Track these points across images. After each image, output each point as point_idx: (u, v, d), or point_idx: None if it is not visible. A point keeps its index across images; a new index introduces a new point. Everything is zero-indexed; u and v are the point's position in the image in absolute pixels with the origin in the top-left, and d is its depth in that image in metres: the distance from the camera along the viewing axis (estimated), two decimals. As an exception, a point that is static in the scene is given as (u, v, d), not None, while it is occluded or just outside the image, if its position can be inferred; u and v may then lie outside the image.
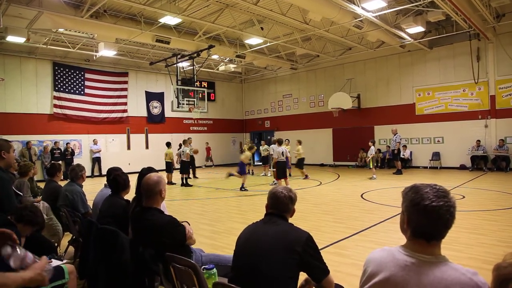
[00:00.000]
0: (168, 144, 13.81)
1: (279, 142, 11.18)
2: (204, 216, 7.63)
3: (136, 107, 19.35)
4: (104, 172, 17.03)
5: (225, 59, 18.76)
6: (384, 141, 16.42)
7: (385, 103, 17.66)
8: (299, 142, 14.50)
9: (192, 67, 15.14)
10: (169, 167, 13.38)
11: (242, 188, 10.88)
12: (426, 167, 16.12)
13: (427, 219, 1.40)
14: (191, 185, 12.80)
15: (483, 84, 14.78)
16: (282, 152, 10.85)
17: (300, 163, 14.06)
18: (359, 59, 18.14)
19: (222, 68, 19.73)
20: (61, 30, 13.25)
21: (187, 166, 12.80)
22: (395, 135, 14.60)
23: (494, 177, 12.41)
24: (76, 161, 15.74)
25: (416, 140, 16.65)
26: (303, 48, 16.40)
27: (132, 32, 12.93)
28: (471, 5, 11.24)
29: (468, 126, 15.13)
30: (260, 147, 16.14)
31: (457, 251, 4.52)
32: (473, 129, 14.99)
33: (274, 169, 12.36)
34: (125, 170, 3.99)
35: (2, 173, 3.17)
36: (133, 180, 3.56)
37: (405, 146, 16.50)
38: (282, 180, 10.86)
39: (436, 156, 15.97)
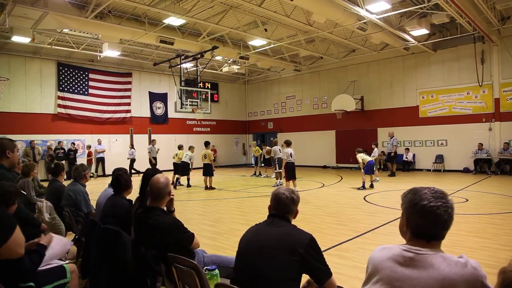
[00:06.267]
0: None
1: (287, 144, 11.14)
2: (206, 217, 7.64)
3: (140, 108, 19.42)
4: (107, 172, 17.11)
5: (229, 60, 18.80)
6: (387, 143, 16.32)
7: (388, 106, 17.62)
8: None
9: (195, 68, 15.15)
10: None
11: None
12: (429, 170, 16.05)
13: (425, 220, 1.44)
14: (190, 186, 12.89)
15: (487, 87, 14.72)
16: (291, 154, 10.81)
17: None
18: (363, 61, 18.11)
19: (225, 69, 19.78)
20: (65, 30, 13.34)
21: (188, 168, 12.79)
22: (391, 138, 15.11)
23: (498, 180, 12.33)
24: (79, 161, 15.81)
25: (420, 142, 16.59)
26: (307, 50, 16.40)
27: (136, 32, 12.98)
28: (476, 7, 11.20)
29: (472, 129, 15.06)
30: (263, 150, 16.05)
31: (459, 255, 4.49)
32: (477, 132, 14.93)
33: (280, 170, 12.35)
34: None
35: (6, 172, 3.19)
36: (136, 180, 3.57)
37: (407, 149, 16.46)
38: (290, 181, 10.75)
39: (439, 159, 15.91)
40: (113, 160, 16.91)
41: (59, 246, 3.01)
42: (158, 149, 16.58)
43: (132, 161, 16.98)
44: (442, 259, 1.40)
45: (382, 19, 11.79)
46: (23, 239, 2.21)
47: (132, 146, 17.78)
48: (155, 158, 16.09)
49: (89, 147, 17.19)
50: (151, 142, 16.67)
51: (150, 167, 15.42)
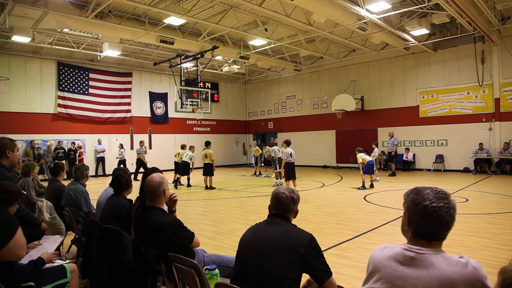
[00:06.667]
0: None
1: (287, 143, 11.15)
2: (206, 217, 7.64)
3: (140, 107, 19.42)
4: (107, 172, 17.10)
5: (229, 60, 18.80)
6: (387, 143, 16.40)
7: (388, 105, 17.62)
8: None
9: (196, 68, 15.16)
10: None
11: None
12: (429, 170, 16.06)
13: (427, 220, 1.45)
14: (190, 185, 12.88)
15: (487, 87, 14.71)
16: (291, 153, 10.82)
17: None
18: (363, 61, 18.11)
19: (225, 69, 19.78)
20: (66, 30, 13.33)
21: (189, 168, 12.80)
22: (392, 137, 15.11)
23: (498, 180, 12.33)
24: (79, 160, 15.83)
25: (420, 142, 16.59)
26: (307, 50, 16.40)
27: (136, 32, 12.98)
28: (476, 7, 11.20)
29: (472, 129, 15.06)
30: (263, 149, 16.06)
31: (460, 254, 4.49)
32: (477, 132, 14.93)
33: (280, 170, 12.36)
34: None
35: (6, 171, 3.19)
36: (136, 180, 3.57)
37: (407, 149, 16.45)
38: (290, 181, 10.75)
39: (439, 158, 15.90)
40: (113, 160, 16.95)
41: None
42: (146, 150, 16.34)
43: (121, 162, 16.61)
44: (443, 258, 1.40)
45: (382, 19, 11.79)
46: (25, 241, 2.21)
47: (121, 146, 17.22)
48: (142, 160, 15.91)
49: (80, 147, 16.72)
50: (140, 143, 16.29)
51: (136, 167, 15.48)
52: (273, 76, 22.82)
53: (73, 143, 16.56)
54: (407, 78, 17.02)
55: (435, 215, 1.43)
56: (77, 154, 16.45)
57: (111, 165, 16.68)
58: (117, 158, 16.74)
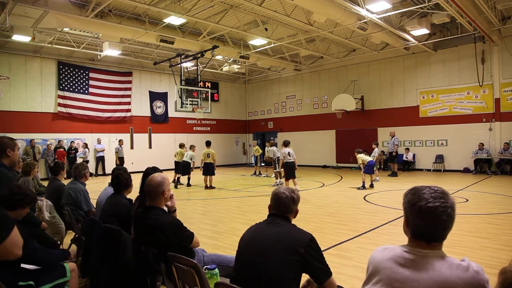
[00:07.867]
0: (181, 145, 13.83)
1: (285, 144, 11.17)
2: (206, 216, 7.64)
3: (140, 107, 19.41)
4: (107, 171, 17.09)
5: (229, 59, 18.79)
6: (388, 143, 16.38)
7: (388, 105, 17.61)
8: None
9: (196, 67, 15.16)
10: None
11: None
12: (429, 170, 16.05)
13: (423, 220, 1.42)
14: (190, 185, 12.88)
15: (487, 87, 14.71)
16: (289, 153, 10.82)
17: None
18: (363, 60, 18.10)
19: (226, 68, 19.77)
20: (66, 29, 13.33)
21: (189, 167, 12.80)
22: (393, 137, 15.09)
23: (498, 180, 12.33)
24: (79, 160, 15.81)
25: (420, 142, 16.59)
26: (307, 50, 16.39)
27: (136, 32, 12.98)
28: (476, 7, 11.19)
29: (472, 129, 15.06)
30: (265, 148, 16.05)
31: (460, 255, 4.49)
32: (477, 132, 14.93)
33: (279, 170, 12.38)
34: (128, 170, 4.00)
35: (7, 171, 3.18)
36: (136, 179, 3.57)
37: (407, 149, 16.45)
38: (290, 180, 10.74)
39: (439, 159, 15.90)
40: (113, 159, 16.96)
41: None
42: (123, 150, 16.68)
43: (85, 162, 16.48)
44: (443, 261, 1.38)
45: (383, 19, 11.79)
46: (21, 240, 2.20)
47: (86, 146, 16.70)
48: (122, 158, 16.05)
49: (58, 147, 15.71)
50: (119, 141, 16.43)
51: (115, 166, 15.55)
52: (273, 76, 22.81)
53: (73, 142, 16.55)
54: (407, 78, 17.01)
55: (431, 215, 1.39)
56: (54, 154, 15.41)
57: (110, 165, 16.67)
58: (80, 157, 16.31)
